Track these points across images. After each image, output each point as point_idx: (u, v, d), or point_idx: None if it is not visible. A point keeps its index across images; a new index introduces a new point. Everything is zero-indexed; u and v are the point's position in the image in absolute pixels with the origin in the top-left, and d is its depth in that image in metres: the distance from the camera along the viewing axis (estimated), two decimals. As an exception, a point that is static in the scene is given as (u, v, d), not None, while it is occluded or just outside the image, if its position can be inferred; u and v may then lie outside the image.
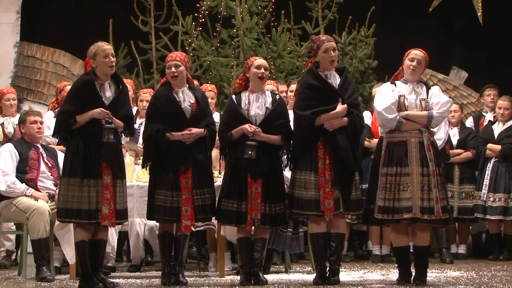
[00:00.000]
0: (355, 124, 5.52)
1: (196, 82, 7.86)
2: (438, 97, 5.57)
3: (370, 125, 7.47)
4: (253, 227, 5.66)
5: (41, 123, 6.60)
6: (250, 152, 5.49)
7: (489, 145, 7.96)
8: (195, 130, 5.59)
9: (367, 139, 7.42)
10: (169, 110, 5.60)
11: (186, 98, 5.68)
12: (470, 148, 8.04)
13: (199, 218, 5.59)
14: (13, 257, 7.62)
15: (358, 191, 5.56)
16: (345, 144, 5.48)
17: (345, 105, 5.52)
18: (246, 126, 5.58)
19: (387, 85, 5.76)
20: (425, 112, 5.54)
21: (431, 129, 5.61)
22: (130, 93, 7.60)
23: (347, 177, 5.49)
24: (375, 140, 7.14)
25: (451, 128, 8.14)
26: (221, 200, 5.62)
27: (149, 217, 5.69)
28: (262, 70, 5.71)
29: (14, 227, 7.28)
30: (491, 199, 7.81)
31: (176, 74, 5.66)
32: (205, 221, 5.78)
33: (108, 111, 5.42)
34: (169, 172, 5.54)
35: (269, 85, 7.08)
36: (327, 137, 5.51)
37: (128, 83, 7.86)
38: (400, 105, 5.59)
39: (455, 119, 8.14)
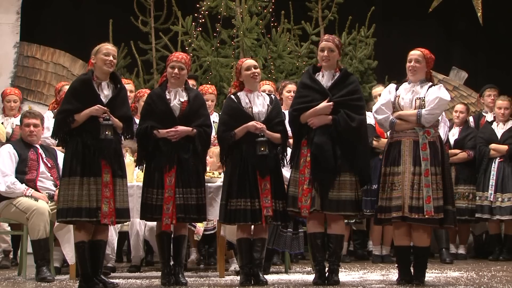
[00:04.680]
0: (339, 123, 5.45)
1: (193, 82, 7.87)
2: (430, 95, 5.57)
3: (374, 125, 7.46)
4: (252, 227, 5.66)
5: (35, 125, 6.53)
6: (262, 149, 5.51)
7: (494, 146, 7.95)
8: (181, 128, 5.59)
9: (375, 139, 7.42)
10: (158, 108, 5.63)
11: (177, 97, 5.69)
12: (468, 148, 8.03)
13: (179, 217, 5.54)
14: (11, 256, 7.62)
15: (348, 191, 5.46)
16: (322, 141, 5.43)
17: (329, 103, 5.49)
18: (254, 123, 5.59)
19: (388, 86, 5.82)
20: (414, 111, 5.54)
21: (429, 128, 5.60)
22: (132, 94, 7.61)
23: (323, 175, 5.43)
24: (384, 140, 7.15)
25: (454, 128, 8.15)
26: (228, 201, 5.57)
27: (140, 216, 5.70)
28: (253, 70, 5.73)
29: (8, 228, 7.27)
30: (500, 199, 7.79)
31: (178, 76, 5.68)
32: (186, 221, 5.67)
33: (105, 108, 5.42)
34: (156, 170, 5.56)
35: (267, 85, 7.10)
36: (309, 134, 5.53)
37: (131, 83, 7.87)
38: (396, 105, 5.61)
39: (459, 120, 8.15)
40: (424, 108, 5.52)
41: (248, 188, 5.53)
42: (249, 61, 5.81)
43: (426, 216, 5.34)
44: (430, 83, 5.67)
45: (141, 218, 5.76)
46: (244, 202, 5.52)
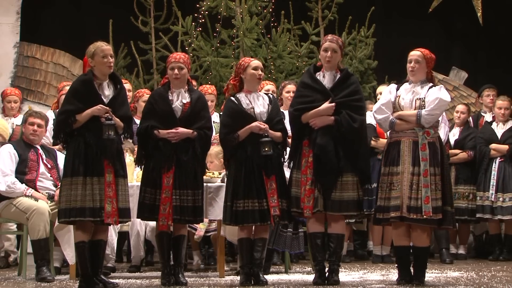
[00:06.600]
0: (342, 124, 5.47)
1: (194, 82, 7.87)
2: (430, 96, 5.57)
3: (375, 125, 7.46)
4: (253, 227, 5.66)
5: (39, 126, 6.55)
6: (266, 149, 5.51)
7: (494, 145, 7.94)
8: (181, 129, 5.58)
9: (373, 138, 7.42)
10: (160, 108, 5.63)
11: (179, 98, 5.69)
12: (468, 148, 8.03)
13: (175, 219, 5.54)
14: (11, 258, 7.61)
15: (350, 191, 5.48)
16: (325, 142, 5.44)
17: (331, 104, 5.50)
18: (257, 123, 5.59)
19: (389, 86, 5.83)
20: (414, 111, 5.54)
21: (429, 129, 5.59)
22: (130, 94, 7.61)
23: (326, 176, 5.44)
24: (383, 140, 7.16)
25: (454, 128, 8.15)
26: (233, 202, 5.54)
27: (137, 215, 5.68)
28: (260, 72, 5.74)
29: (14, 227, 7.27)
30: (501, 199, 7.79)
31: (178, 76, 5.67)
32: (182, 222, 5.64)
33: (107, 108, 5.43)
34: (154, 170, 5.56)
35: (270, 86, 7.11)
36: (311, 135, 5.52)
37: (127, 82, 7.86)
38: (396, 106, 5.61)
39: (460, 120, 8.15)
40: (424, 108, 5.53)
41: (255, 189, 5.52)
42: (258, 62, 5.81)
43: (425, 216, 5.35)
44: (431, 84, 5.67)
45: (137, 217, 5.76)
46: (252, 203, 5.51)
